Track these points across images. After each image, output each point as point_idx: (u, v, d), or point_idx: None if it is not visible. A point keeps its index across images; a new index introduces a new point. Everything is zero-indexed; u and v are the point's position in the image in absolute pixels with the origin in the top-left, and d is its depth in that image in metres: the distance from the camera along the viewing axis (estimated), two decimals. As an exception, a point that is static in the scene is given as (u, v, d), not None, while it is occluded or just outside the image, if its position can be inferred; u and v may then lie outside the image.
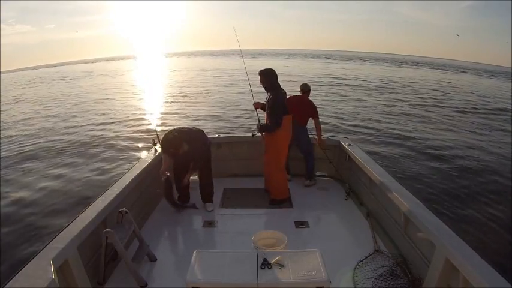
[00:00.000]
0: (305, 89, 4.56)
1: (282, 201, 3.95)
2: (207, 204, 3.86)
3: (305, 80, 5.19)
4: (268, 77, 3.67)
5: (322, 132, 4.55)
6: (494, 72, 62.58)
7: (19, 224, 5.14)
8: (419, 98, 18.74)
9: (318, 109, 4.50)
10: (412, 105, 16.30)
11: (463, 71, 57.54)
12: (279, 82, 3.72)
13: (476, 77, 44.50)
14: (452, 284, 2.16)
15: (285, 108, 3.69)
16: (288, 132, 3.77)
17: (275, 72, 3.73)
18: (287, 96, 3.88)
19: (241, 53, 4.49)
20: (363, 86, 23.27)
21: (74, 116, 14.15)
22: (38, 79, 43.40)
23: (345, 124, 11.60)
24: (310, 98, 4.57)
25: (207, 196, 3.89)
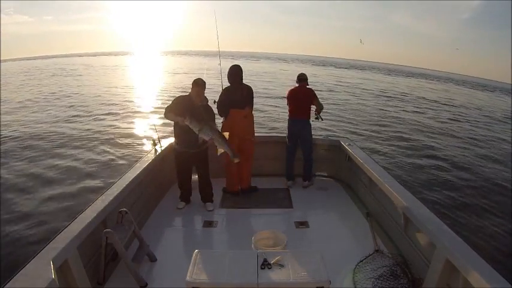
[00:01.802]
0: (302, 77, 4.41)
1: (231, 193, 4.17)
2: (207, 204, 3.87)
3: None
4: (228, 73, 4.00)
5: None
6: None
7: (20, 224, 5.14)
8: (417, 106, 18.87)
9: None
10: (410, 111, 16.39)
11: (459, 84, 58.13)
12: (239, 78, 3.98)
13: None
14: (452, 284, 2.16)
15: (235, 103, 3.90)
16: (229, 125, 3.91)
17: (234, 70, 3.98)
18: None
19: (219, 54, 4.71)
20: (362, 93, 23.38)
21: (75, 116, 14.14)
22: (40, 71, 43.34)
23: (345, 125, 11.62)
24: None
25: (206, 196, 3.89)
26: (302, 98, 4.36)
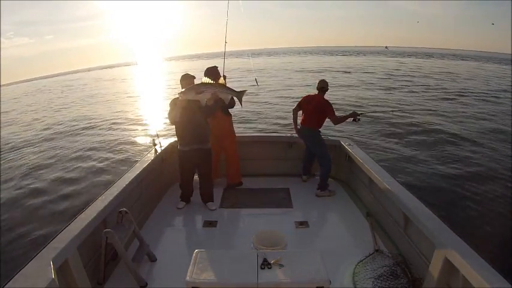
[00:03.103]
0: (318, 86, 4.24)
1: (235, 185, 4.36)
2: (209, 204, 3.88)
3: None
4: (204, 75, 3.94)
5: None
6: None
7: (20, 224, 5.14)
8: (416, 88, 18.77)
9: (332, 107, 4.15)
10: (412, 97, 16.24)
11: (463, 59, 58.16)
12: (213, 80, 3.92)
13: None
14: (452, 284, 2.16)
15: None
16: (211, 124, 3.96)
17: (209, 72, 3.84)
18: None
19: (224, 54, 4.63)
20: (363, 80, 23.06)
21: (74, 120, 14.18)
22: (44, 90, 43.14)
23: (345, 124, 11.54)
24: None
25: (207, 196, 3.90)
26: (310, 106, 4.19)
